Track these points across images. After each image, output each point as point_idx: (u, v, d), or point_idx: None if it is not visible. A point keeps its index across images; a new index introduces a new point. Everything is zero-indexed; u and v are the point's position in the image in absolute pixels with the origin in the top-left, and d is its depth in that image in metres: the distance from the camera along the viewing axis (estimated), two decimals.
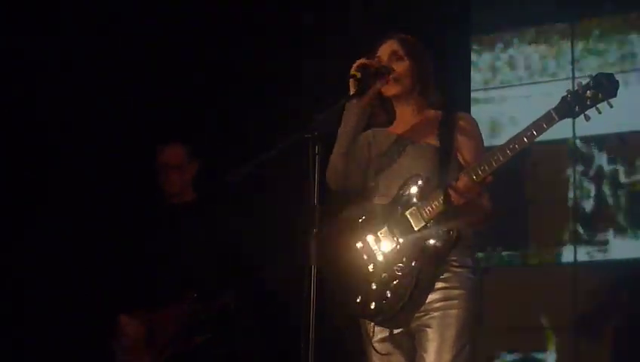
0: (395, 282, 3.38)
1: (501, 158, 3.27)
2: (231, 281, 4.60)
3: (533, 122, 3.27)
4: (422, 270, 3.36)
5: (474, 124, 3.58)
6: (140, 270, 4.73)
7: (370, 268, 3.44)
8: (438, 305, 3.39)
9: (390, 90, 3.58)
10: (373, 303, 3.41)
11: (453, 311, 3.37)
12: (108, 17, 5.86)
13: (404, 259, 3.39)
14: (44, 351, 5.57)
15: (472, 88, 5.90)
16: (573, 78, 5.75)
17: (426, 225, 3.39)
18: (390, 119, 3.66)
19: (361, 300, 3.43)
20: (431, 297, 3.39)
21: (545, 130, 3.24)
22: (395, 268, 3.39)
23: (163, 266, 4.68)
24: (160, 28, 5.85)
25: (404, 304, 3.36)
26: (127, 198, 5.34)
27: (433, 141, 3.52)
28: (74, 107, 5.78)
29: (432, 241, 3.37)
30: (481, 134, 3.57)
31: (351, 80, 3.47)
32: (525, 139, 3.25)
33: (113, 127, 5.77)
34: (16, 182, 5.71)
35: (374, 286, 3.42)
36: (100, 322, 4.76)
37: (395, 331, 3.46)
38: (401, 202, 3.45)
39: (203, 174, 4.86)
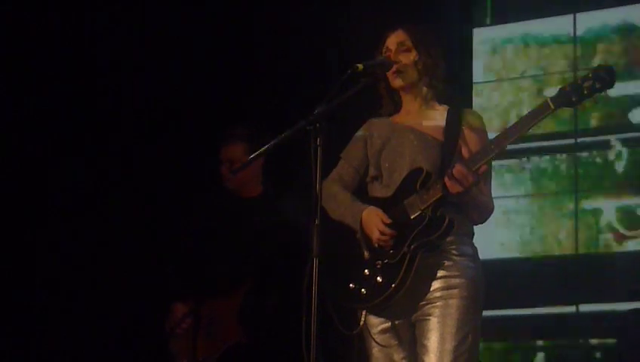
0: (387, 267, 3.40)
1: (496, 148, 3.29)
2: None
3: (529, 111, 3.29)
4: (414, 255, 3.37)
5: (480, 120, 3.59)
6: (202, 260, 4.68)
7: (366, 255, 3.46)
8: (439, 294, 3.40)
9: (395, 82, 3.58)
10: (364, 289, 3.43)
11: (455, 301, 3.39)
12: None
13: (397, 246, 3.40)
14: (102, 339, 5.65)
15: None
16: (575, 71, 5.76)
17: (421, 213, 3.39)
18: (397, 109, 3.66)
19: (353, 287, 3.45)
20: (432, 286, 3.41)
21: (541, 119, 3.27)
22: (388, 253, 3.41)
23: (224, 257, 4.63)
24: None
25: (394, 288, 3.36)
26: (193, 189, 5.32)
27: (438, 135, 3.53)
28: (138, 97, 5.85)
29: (423, 229, 3.37)
30: (486, 130, 3.58)
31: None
32: (521, 129, 3.27)
33: (183, 117, 5.84)
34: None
35: (367, 272, 3.44)
36: (157, 311, 4.74)
37: (396, 321, 3.47)
38: (402, 193, 3.46)
39: (271, 168, 4.80)
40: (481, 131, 3.55)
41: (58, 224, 5.76)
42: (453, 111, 3.56)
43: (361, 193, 3.62)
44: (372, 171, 3.60)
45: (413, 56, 3.57)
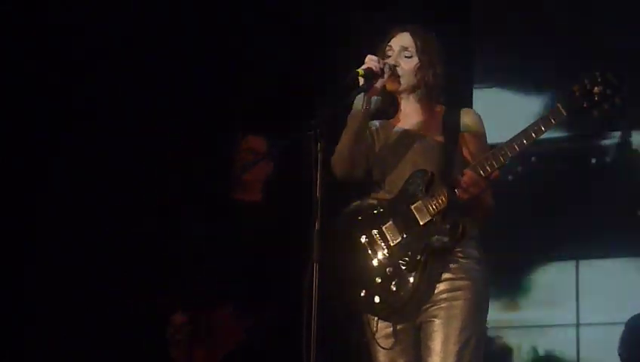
0: (400, 276, 3.38)
1: (509, 154, 3.28)
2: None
3: (541, 117, 3.28)
4: (427, 264, 3.37)
5: (478, 119, 3.57)
6: (200, 267, 4.68)
7: (375, 262, 3.44)
8: (444, 296, 3.39)
9: (392, 85, 3.57)
10: (378, 297, 3.41)
11: (459, 302, 3.38)
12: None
13: (409, 253, 3.39)
14: (100, 348, 5.59)
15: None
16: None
17: (432, 219, 3.39)
18: (394, 112, 3.65)
19: (365, 294, 3.43)
20: (437, 288, 3.40)
21: (553, 125, 3.25)
22: (400, 262, 3.40)
23: (223, 265, 4.63)
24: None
25: (408, 297, 3.36)
26: (189, 194, 5.33)
27: (438, 137, 3.52)
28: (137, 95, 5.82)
29: (437, 236, 3.37)
30: (484, 129, 3.57)
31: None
32: (533, 135, 3.26)
33: (181, 118, 5.81)
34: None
35: (379, 280, 3.41)
36: (155, 319, 4.76)
37: (400, 325, 3.46)
38: (406, 197, 3.45)
39: (275, 178, 4.81)
40: (480, 131, 3.53)
41: (47, 233, 5.69)
42: (450, 112, 3.56)
43: (362, 195, 3.60)
44: (373, 175, 3.57)
45: (414, 63, 3.56)
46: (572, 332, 5.78)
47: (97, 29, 5.79)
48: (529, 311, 5.91)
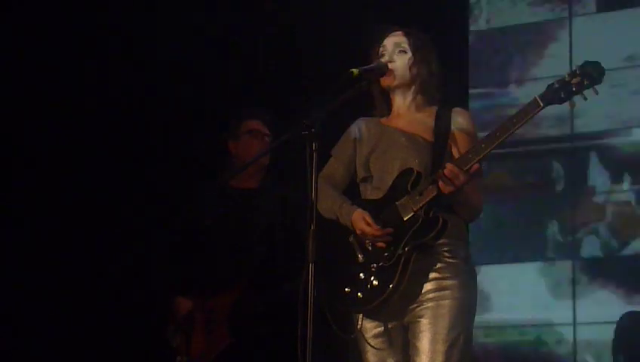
0: (382, 271, 3.40)
1: (488, 146, 3.31)
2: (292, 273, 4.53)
3: (519, 110, 3.31)
4: (409, 257, 3.37)
5: (469, 118, 3.59)
6: (200, 254, 4.67)
7: (360, 258, 3.46)
8: (431, 295, 3.41)
9: (386, 80, 3.59)
10: (360, 292, 3.43)
11: (446, 302, 3.39)
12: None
13: (391, 248, 3.40)
14: (102, 336, 5.68)
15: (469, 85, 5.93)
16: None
17: (414, 214, 3.40)
18: (388, 111, 3.66)
19: (349, 290, 3.45)
20: (424, 288, 3.41)
21: (530, 117, 3.29)
22: (382, 256, 3.41)
23: (224, 252, 4.62)
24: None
25: (391, 290, 3.37)
26: (187, 182, 5.33)
27: (428, 136, 3.53)
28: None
29: (419, 229, 3.38)
30: (475, 129, 3.59)
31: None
32: (511, 127, 3.29)
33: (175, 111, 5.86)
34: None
35: (362, 276, 3.44)
36: (156, 307, 4.76)
37: (389, 325, 3.47)
38: (393, 194, 3.47)
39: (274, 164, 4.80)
40: (471, 131, 3.55)
41: (54, 218, 5.74)
42: (442, 112, 3.57)
43: (353, 194, 3.63)
44: (361, 173, 3.60)
45: (408, 58, 3.58)
46: None
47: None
48: None
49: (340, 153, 3.68)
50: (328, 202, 3.54)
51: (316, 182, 3.22)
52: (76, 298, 5.70)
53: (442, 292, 3.40)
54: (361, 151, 3.61)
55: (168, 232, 4.84)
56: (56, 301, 5.68)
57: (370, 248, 3.45)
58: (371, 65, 3.57)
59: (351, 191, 3.64)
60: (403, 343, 3.47)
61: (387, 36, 3.63)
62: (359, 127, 3.66)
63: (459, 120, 3.55)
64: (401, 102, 3.63)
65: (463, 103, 5.50)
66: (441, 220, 3.36)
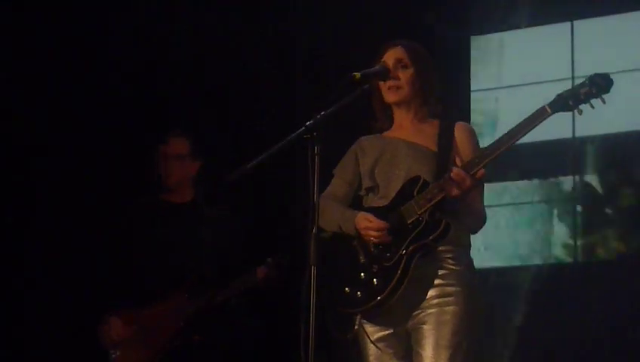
0: (383, 271, 3.41)
1: (493, 152, 3.34)
2: (227, 280, 4.59)
3: (527, 117, 3.34)
4: (410, 258, 3.39)
5: (472, 132, 3.63)
6: (133, 267, 4.70)
7: (362, 259, 3.48)
8: (434, 302, 3.42)
9: (391, 97, 3.61)
10: (359, 292, 3.44)
11: (450, 308, 3.40)
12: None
13: (393, 249, 3.42)
14: (37, 350, 5.60)
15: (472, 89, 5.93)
16: (573, 78, 5.78)
17: (418, 218, 3.41)
18: (389, 125, 3.69)
19: (349, 291, 3.46)
20: (428, 295, 3.42)
21: (537, 124, 3.32)
22: (385, 256, 3.43)
23: (157, 264, 4.65)
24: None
25: (390, 290, 3.37)
26: (120, 194, 5.31)
27: (432, 146, 3.56)
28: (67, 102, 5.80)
29: (421, 231, 3.40)
30: (478, 142, 3.62)
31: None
32: (517, 134, 3.32)
33: (110, 123, 5.79)
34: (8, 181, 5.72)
35: (363, 276, 3.45)
36: (91, 320, 4.74)
37: (393, 331, 3.48)
38: (400, 202, 3.48)
39: (203, 177, 4.81)
40: (474, 144, 3.58)
41: None
42: (445, 124, 3.60)
43: (356, 206, 3.64)
44: (367, 183, 3.61)
45: (410, 73, 3.60)
46: None
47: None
48: None
49: (342, 172, 3.70)
50: (331, 214, 3.55)
51: (318, 186, 3.22)
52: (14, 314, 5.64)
53: (445, 299, 3.41)
54: (365, 163, 3.62)
55: (98, 243, 4.89)
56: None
57: (372, 250, 3.46)
58: (373, 68, 3.58)
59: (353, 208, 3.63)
60: (405, 349, 3.48)
61: (387, 50, 3.64)
62: (360, 145, 3.69)
63: (461, 134, 3.57)
64: (404, 115, 3.65)
65: (465, 109, 5.53)
66: (443, 222, 3.38)
